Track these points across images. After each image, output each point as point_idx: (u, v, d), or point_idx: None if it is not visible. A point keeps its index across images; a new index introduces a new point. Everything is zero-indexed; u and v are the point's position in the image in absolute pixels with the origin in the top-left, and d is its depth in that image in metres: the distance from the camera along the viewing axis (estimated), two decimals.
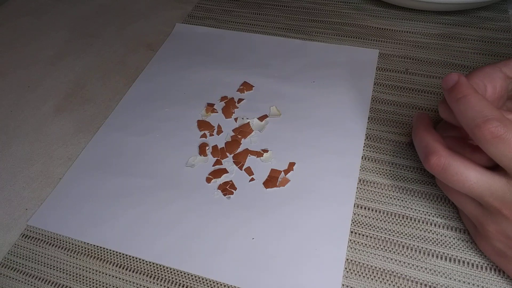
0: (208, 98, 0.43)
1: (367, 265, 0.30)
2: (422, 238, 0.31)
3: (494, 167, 0.26)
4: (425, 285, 0.29)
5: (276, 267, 0.30)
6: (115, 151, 0.39)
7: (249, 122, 0.40)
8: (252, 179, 0.36)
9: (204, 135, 0.39)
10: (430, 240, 0.31)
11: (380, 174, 0.35)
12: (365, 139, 0.38)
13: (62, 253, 0.33)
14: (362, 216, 0.33)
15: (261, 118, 0.40)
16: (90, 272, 0.32)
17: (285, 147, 0.38)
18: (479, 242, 0.29)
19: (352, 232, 0.32)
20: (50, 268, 0.32)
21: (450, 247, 0.30)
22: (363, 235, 0.32)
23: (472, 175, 0.25)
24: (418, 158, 0.36)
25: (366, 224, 0.32)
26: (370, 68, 0.44)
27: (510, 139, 0.23)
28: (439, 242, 0.31)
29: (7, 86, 0.47)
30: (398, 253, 0.31)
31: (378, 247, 0.31)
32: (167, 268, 0.31)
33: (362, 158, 0.36)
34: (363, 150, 0.37)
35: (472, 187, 0.25)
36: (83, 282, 0.31)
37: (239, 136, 0.39)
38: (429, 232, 0.31)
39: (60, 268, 0.32)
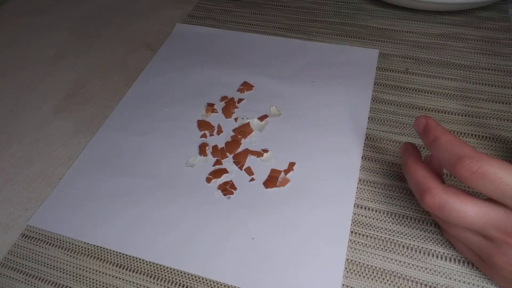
0: (208, 98, 0.43)
1: (367, 265, 0.30)
2: (422, 238, 0.31)
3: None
4: (425, 285, 0.29)
5: (276, 267, 0.30)
6: (115, 151, 0.39)
7: (249, 122, 0.40)
8: (252, 179, 0.36)
9: (204, 135, 0.39)
10: (430, 240, 0.31)
11: (380, 174, 0.35)
12: (365, 139, 0.38)
13: (62, 253, 0.33)
14: (362, 216, 0.33)
15: (261, 118, 0.40)
16: (90, 272, 0.32)
17: (285, 147, 0.38)
18: (487, 272, 0.28)
19: (352, 232, 0.32)
20: (50, 268, 0.32)
21: (450, 247, 0.30)
22: (363, 235, 0.32)
23: (471, 210, 0.24)
24: None
25: (366, 224, 0.32)
26: (370, 68, 0.44)
27: (486, 172, 0.23)
28: (439, 242, 0.31)
29: (7, 86, 0.47)
30: (398, 253, 0.31)
31: (378, 247, 0.31)
32: (167, 268, 0.31)
33: (362, 158, 0.36)
34: (363, 150, 0.37)
35: (473, 221, 0.24)
36: (83, 282, 0.31)
37: (239, 136, 0.39)
38: (429, 232, 0.31)
39: (60, 268, 0.32)
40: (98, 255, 0.32)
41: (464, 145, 0.25)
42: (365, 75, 0.43)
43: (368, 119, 0.39)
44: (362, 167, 0.36)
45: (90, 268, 0.32)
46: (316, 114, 0.40)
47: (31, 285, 0.32)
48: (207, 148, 0.38)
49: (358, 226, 0.32)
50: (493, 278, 0.28)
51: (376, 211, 0.33)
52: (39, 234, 0.34)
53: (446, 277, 0.29)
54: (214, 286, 0.30)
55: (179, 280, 0.31)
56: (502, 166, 0.23)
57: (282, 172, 0.36)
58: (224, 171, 0.36)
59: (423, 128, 0.27)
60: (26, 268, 0.32)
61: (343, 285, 0.29)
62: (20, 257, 0.33)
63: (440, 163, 0.29)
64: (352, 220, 0.33)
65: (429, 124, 0.27)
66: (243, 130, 0.39)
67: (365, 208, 0.33)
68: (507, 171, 0.23)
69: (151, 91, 0.44)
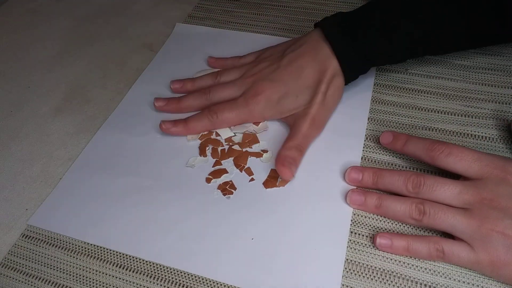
0: None
1: (367, 265, 0.30)
2: None
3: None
4: (425, 285, 0.29)
5: (276, 267, 0.30)
6: (115, 151, 0.39)
7: (246, 131, 0.39)
8: (252, 179, 0.36)
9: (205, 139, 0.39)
10: None
11: None
12: (365, 139, 0.38)
13: (62, 253, 0.33)
14: (362, 216, 0.33)
15: (256, 123, 0.40)
16: (90, 272, 0.32)
17: None
18: (481, 262, 0.28)
19: (352, 232, 0.32)
20: (50, 268, 0.32)
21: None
22: (363, 235, 0.32)
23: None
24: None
25: (366, 224, 0.32)
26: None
27: (451, 149, 0.30)
28: None
29: (7, 86, 0.47)
30: None
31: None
32: (167, 268, 0.31)
33: (362, 158, 0.36)
34: (363, 150, 0.37)
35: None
36: (83, 282, 0.31)
37: (250, 147, 0.38)
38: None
39: (60, 268, 0.32)
40: (98, 255, 0.32)
41: (428, 138, 0.33)
42: (365, 75, 0.43)
43: (368, 119, 0.39)
44: None
45: (90, 268, 0.32)
46: None
47: (31, 285, 0.32)
48: (207, 148, 0.38)
49: (358, 226, 0.32)
50: (489, 267, 0.28)
51: None
52: (39, 234, 0.34)
53: (446, 277, 0.29)
54: (214, 286, 0.30)
55: (179, 280, 0.31)
56: (462, 146, 0.31)
57: None
58: (224, 171, 0.36)
59: (391, 137, 0.35)
60: (26, 268, 0.32)
61: (343, 285, 0.29)
62: (20, 257, 0.33)
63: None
64: (352, 220, 0.33)
65: (395, 133, 0.35)
66: (250, 140, 0.38)
67: None
68: (467, 147, 0.30)
69: (152, 91, 0.44)
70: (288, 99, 0.37)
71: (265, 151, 0.37)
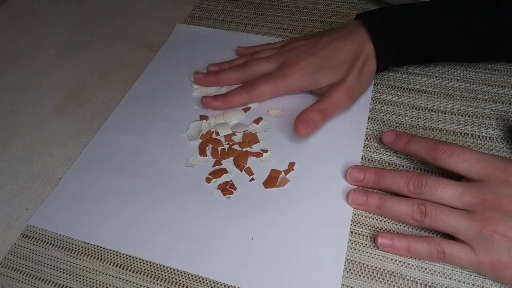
0: None
1: (367, 265, 0.30)
2: None
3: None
4: (425, 285, 0.29)
5: (276, 267, 0.30)
6: (115, 151, 0.39)
7: (246, 130, 0.39)
8: (252, 179, 0.36)
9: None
10: None
11: None
12: (365, 139, 0.38)
13: (62, 253, 0.33)
14: (362, 216, 0.33)
15: (256, 121, 0.40)
16: (90, 272, 0.32)
17: (285, 147, 0.38)
18: (482, 263, 0.28)
19: (352, 232, 0.32)
20: (50, 268, 0.32)
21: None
22: (363, 235, 0.32)
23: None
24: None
25: (366, 224, 0.32)
26: None
27: (454, 150, 0.30)
28: None
29: (7, 86, 0.47)
30: None
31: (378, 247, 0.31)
32: (167, 268, 0.31)
33: (362, 158, 0.36)
34: (363, 150, 0.37)
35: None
36: (83, 282, 0.31)
37: (250, 147, 0.38)
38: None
39: (60, 268, 0.32)
40: (98, 255, 0.32)
41: (430, 138, 0.33)
42: None
43: (368, 119, 0.39)
44: None
45: (90, 268, 0.32)
46: None
47: (31, 285, 0.32)
48: (207, 148, 0.38)
49: (358, 226, 0.32)
50: (490, 269, 0.28)
51: None
52: (39, 234, 0.34)
53: (446, 277, 0.29)
54: (214, 286, 0.30)
55: (179, 280, 0.31)
56: (464, 147, 0.30)
57: (282, 172, 0.36)
58: (224, 171, 0.36)
59: (394, 136, 0.35)
60: (26, 268, 0.32)
61: (343, 285, 0.29)
62: (20, 257, 0.33)
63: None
64: (352, 220, 0.33)
65: (398, 132, 0.35)
66: (251, 140, 0.38)
67: None
68: (470, 148, 0.30)
69: (152, 91, 0.44)
70: (324, 71, 0.39)
71: (265, 151, 0.37)
